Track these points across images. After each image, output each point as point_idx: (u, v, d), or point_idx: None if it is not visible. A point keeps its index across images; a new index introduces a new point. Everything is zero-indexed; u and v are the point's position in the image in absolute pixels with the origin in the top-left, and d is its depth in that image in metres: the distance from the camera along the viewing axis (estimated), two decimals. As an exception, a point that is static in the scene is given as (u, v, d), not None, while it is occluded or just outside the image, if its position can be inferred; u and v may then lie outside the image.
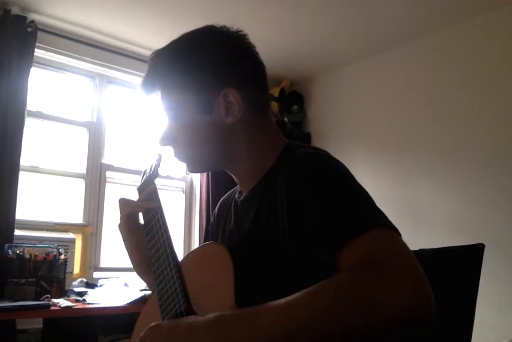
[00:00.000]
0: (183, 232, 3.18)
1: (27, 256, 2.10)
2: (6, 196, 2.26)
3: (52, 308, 1.90)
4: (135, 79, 3.01)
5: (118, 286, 2.32)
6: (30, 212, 2.52)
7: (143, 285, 2.22)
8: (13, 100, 2.37)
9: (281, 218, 0.74)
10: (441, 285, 0.67)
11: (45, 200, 2.66)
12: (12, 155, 2.32)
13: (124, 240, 0.97)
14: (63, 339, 2.19)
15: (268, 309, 0.58)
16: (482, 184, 2.55)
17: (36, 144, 2.66)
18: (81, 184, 2.78)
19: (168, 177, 3.14)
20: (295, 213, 0.70)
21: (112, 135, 2.97)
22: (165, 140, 0.88)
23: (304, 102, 3.61)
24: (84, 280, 2.39)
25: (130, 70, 2.98)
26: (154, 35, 2.83)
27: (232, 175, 0.92)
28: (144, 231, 0.93)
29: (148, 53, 1.17)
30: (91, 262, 2.67)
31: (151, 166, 1.04)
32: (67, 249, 2.30)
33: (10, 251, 2.10)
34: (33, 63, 2.53)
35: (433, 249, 0.84)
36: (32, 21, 2.53)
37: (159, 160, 1.03)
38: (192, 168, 0.90)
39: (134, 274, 1.02)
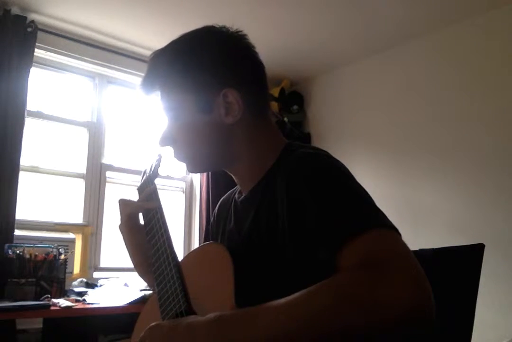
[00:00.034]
0: (183, 232, 3.18)
1: (27, 256, 2.10)
2: (6, 196, 2.26)
3: (52, 308, 1.90)
4: (135, 79, 3.01)
5: (118, 286, 2.32)
6: (30, 212, 2.52)
7: (143, 285, 2.22)
8: (13, 100, 2.37)
9: (281, 218, 0.74)
10: (441, 285, 0.67)
11: (45, 200, 2.66)
12: (12, 155, 2.32)
13: (125, 241, 0.97)
14: (63, 339, 2.19)
15: (268, 309, 0.58)
16: (482, 184, 2.55)
17: (36, 144, 2.66)
18: (81, 184, 2.78)
19: (168, 177, 3.14)
20: (295, 213, 0.70)
21: (112, 135, 2.97)
22: (165, 141, 0.88)
23: (304, 102, 3.61)
24: (84, 280, 2.39)
25: (130, 70, 2.98)
26: (154, 35, 2.83)
27: (232, 175, 0.92)
28: (144, 231, 0.93)
29: (148, 53, 1.17)
30: (91, 262, 2.67)
31: (151, 166, 1.05)
32: (67, 249, 2.30)
33: (10, 251, 2.10)
34: (33, 63, 2.53)
35: (433, 249, 0.84)
36: (32, 21, 2.53)
37: (159, 160, 1.04)
38: (192, 169, 0.90)
39: (134, 274, 1.02)
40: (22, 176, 2.40)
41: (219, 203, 1.03)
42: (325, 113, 3.49)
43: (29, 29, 2.50)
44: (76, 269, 2.48)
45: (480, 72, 2.66)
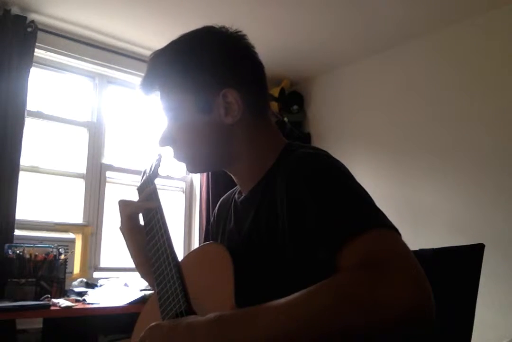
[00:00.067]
0: (183, 232, 3.18)
1: (27, 256, 2.10)
2: (6, 196, 2.26)
3: (52, 308, 1.90)
4: (135, 79, 3.01)
5: (118, 286, 2.32)
6: (30, 212, 2.52)
7: (143, 285, 2.22)
8: (13, 100, 2.37)
9: (281, 218, 0.74)
10: (441, 285, 0.67)
11: (45, 200, 2.66)
12: (12, 155, 2.32)
13: (126, 241, 0.97)
14: (63, 339, 2.19)
15: (268, 309, 0.58)
16: (482, 184, 2.55)
17: (36, 144, 2.66)
18: (81, 184, 2.78)
19: (168, 177, 3.14)
20: (295, 213, 0.70)
21: (112, 135, 2.97)
22: (165, 141, 0.88)
23: (304, 102, 3.61)
24: (84, 280, 2.39)
25: (130, 70, 2.98)
26: (154, 35, 2.83)
27: (231, 175, 0.92)
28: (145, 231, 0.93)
29: (148, 53, 1.17)
30: (91, 262, 2.67)
31: (151, 166, 1.04)
32: (67, 249, 2.30)
33: (10, 251, 2.10)
34: (33, 63, 2.53)
35: (433, 249, 0.84)
36: (32, 21, 2.53)
37: (159, 160, 1.03)
38: (192, 169, 0.90)
39: (134, 274, 1.02)
40: (22, 176, 2.40)
41: (219, 203, 1.03)
42: (325, 113, 3.49)
43: (29, 29, 2.50)
44: (76, 269, 2.48)
45: (480, 72, 2.66)
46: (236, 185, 0.95)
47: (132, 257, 0.98)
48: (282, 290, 0.60)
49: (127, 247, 0.97)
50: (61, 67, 2.84)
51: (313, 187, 0.69)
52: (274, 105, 3.42)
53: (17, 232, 2.27)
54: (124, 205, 0.95)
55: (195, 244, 3.14)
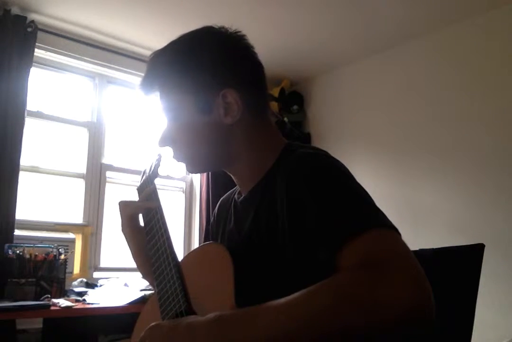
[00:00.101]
0: (183, 232, 3.18)
1: (27, 256, 2.10)
2: (6, 196, 2.26)
3: (52, 308, 1.90)
4: (135, 79, 3.01)
5: (118, 286, 2.32)
6: (30, 212, 2.52)
7: (143, 285, 2.22)
8: (13, 100, 2.37)
9: (281, 218, 0.74)
10: (441, 285, 0.67)
11: (45, 200, 2.66)
12: (12, 155, 2.32)
13: (128, 242, 0.98)
14: (63, 339, 2.19)
15: (268, 309, 0.58)
16: (482, 184, 2.55)
17: (36, 144, 2.66)
18: (81, 184, 2.78)
19: (168, 177, 3.14)
20: (295, 213, 0.70)
21: (112, 135, 2.97)
22: (164, 141, 0.88)
23: (304, 102, 3.61)
24: (84, 280, 2.39)
25: (130, 70, 2.98)
26: (154, 35, 2.83)
27: (231, 175, 0.92)
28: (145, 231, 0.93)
29: (148, 53, 1.17)
30: (91, 262, 2.67)
31: (151, 166, 1.05)
32: (67, 249, 2.30)
33: (10, 251, 2.10)
34: (33, 63, 2.53)
35: (433, 249, 0.84)
36: (32, 21, 2.53)
37: (158, 160, 1.04)
38: (191, 169, 0.90)
39: (134, 274, 1.03)
40: (22, 176, 2.40)
41: (218, 203, 1.03)
42: (325, 113, 3.49)
43: (29, 29, 2.50)
44: (76, 269, 2.48)
45: (480, 72, 2.66)
46: (236, 185, 0.95)
47: (133, 257, 0.98)
48: (282, 290, 0.60)
49: (129, 247, 0.98)
50: (61, 67, 2.84)
51: (313, 186, 0.69)
52: (274, 105, 3.42)
53: (17, 232, 2.27)
54: (124, 205, 0.96)
55: (195, 244, 3.14)
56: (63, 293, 2.16)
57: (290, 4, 2.56)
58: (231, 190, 1.00)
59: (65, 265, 2.21)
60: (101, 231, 2.77)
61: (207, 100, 0.82)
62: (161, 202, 0.95)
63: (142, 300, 2.04)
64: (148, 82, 0.86)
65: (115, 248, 2.76)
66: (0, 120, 2.31)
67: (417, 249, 0.78)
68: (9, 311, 1.80)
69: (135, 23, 2.77)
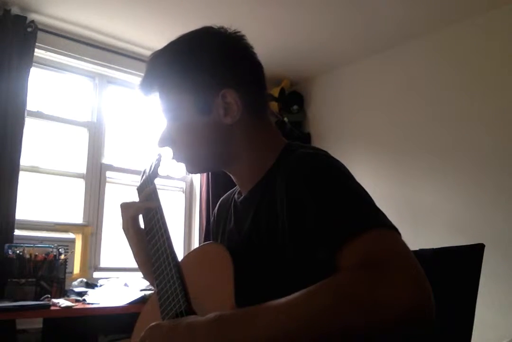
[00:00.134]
0: (183, 232, 3.18)
1: (27, 256, 2.10)
2: (6, 196, 2.26)
3: (52, 308, 1.90)
4: (135, 79, 3.01)
5: (118, 286, 2.32)
6: (30, 212, 2.52)
7: (143, 285, 2.22)
8: (13, 100, 2.37)
9: (281, 218, 0.74)
10: (441, 285, 0.67)
11: (45, 200, 2.66)
12: (12, 155, 2.32)
13: (129, 242, 0.99)
14: (63, 339, 2.19)
15: (268, 309, 0.58)
16: (482, 184, 2.55)
17: (36, 144, 2.66)
18: (81, 184, 2.78)
19: (168, 177, 3.14)
20: (295, 213, 0.70)
21: (112, 135, 2.97)
22: (164, 142, 0.88)
23: (304, 102, 3.61)
24: (84, 280, 2.39)
25: (130, 70, 2.98)
26: (154, 35, 2.83)
27: (231, 175, 0.92)
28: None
29: (148, 53, 1.17)
30: (91, 262, 2.67)
31: (151, 166, 1.05)
32: (67, 249, 2.30)
33: (10, 251, 2.10)
34: (33, 63, 2.53)
35: (433, 249, 0.84)
36: (32, 21, 2.53)
37: (158, 160, 1.04)
38: (191, 169, 0.90)
39: (134, 274, 1.03)
40: (22, 176, 2.40)
41: (218, 203, 1.03)
42: (325, 113, 3.49)
43: (29, 29, 2.50)
44: (76, 269, 2.48)
45: (480, 72, 2.66)
46: (236, 185, 0.95)
47: (134, 257, 0.99)
48: (282, 290, 0.59)
49: (130, 247, 0.98)
50: (61, 67, 2.84)
51: (313, 186, 0.69)
52: (274, 105, 3.42)
53: (17, 232, 2.27)
54: (125, 207, 0.97)
55: (195, 244, 3.13)
56: (63, 293, 2.16)
57: (290, 4, 2.56)
58: (231, 190, 1.01)
59: (65, 265, 2.21)
60: (101, 231, 2.77)
61: (206, 101, 0.82)
62: (161, 202, 0.95)
63: (142, 300, 2.04)
64: (148, 82, 0.86)
65: (115, 248, 2.76)
66: (0, 120, 2.31)
67: (417, 249, 0.78)
68: (9, 311, 1.80)
69: (135, 23, 2.77)
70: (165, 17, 2.69)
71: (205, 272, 0.79)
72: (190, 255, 0.87)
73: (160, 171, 1.03)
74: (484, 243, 0.84)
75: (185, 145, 0.85)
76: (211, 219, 1.05)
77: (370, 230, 0.62)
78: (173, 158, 0.89)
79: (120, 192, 2.92)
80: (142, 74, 0.87)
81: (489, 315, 2.23)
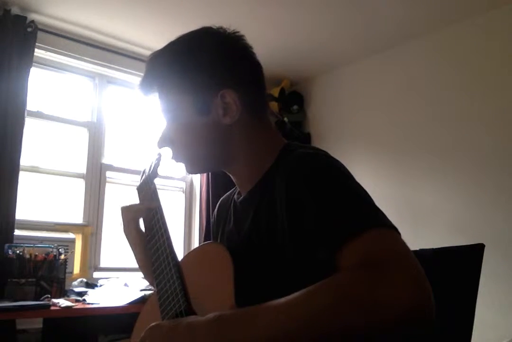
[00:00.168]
0: (183, 232, 3.18)
1: (27, 256, 2.10)
2: (6, 196, 2.26)
3: (52, 308, 1.90)
4: (135, 79, 3.01)
5: (118, 286, 2.32)
6: (30, 212, 2.52)
7: (143, 285, 2.22)
8: (13, 100, 2.37)
9: (281, 218, 0.74)
10: (441, 285, 0.67)
11: (45, 200, 2.66)
12: (12, 155, 2.32)
13: (130, 244, 0.99)
14: (63, 339, 2.19)
15: (267, 309, 0.58)
16: (482, 184, 2.55)
17: (36, 144, 2.65)
18: (81, 184, 2.78)
19: (168, 177, 3.14)
20: (295, 213, 0.70)
21: (112, 135, 2.97)
22: (163, 142, 0.88)
23: (304, 102, 3.61)
24: (84, 280, 2.39)
25: (130, 70, 2.98)
26: (154, 35, 2.83)
27: (230, 175, 0.92)
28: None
29: (148, 53, 1.17)
30: (91, 262, 2.67)
31: (151, 166, 1.05)
32: (67, 249, 2.30)
33: (10, 251, 2.10)
34: (33, 63, 2.53)
35: (433, 249, 0.84)
36: (32, 21, 2.53)
37: (158, 160, 1.04)
38: (190, 169, 0.90)
39: (134, 274, 1.04)
40: (22, 176, 2.40)
41: (218, 203, 1.03)
42: (325, 113, 3.49)
43: (29, 29, 2.50)
44: (76, 269, 2.48)
45: (480, 72, 2.66)
46: (235, 185, 0.95)
47: (135, 258, 1.00)
48: (282, 290, 0.59)
49: (132, 249, 0.99)
50: (61, 67, 2.84)
51: (313, 186, 0.69)
52: (274, 105, 3.42)
53: (17, 232, 2.27)
54: (126, 210, 0.98)
55: (195, 244, 3.13)
56: (63, 293, 2.16)
57: (290, 4, 2.56)
58: (231, 190, 1.01)
59: (65, 265, 2.21)
60: (101, 231, 2.77)
61: (205, 101, 0.82)
62: (161, 202, 0.95)
63: (142, 300, 2.04)
64: (147, 83, 0.86)
65: (115, 248, 2.76)
66: (0, 120, 2.31)
67: (417, 249, 0.78)
68: (9, 311, 1.80)
69: (135, 23, 2.77)
70: (165, 17, 2.69)
71: (205, 271, 0.79)
72: (190, 255, 0.87)
73: (160, 171, 1.03)
74: (484, 243, 0.84)
75: (184, 145, 0.85)
76: (211, 220, 1.05)
77: (370, 230, 0.62)
78: (172, 158, 0.89)
79: (120, 192, 2.92)
80: (142, 74, 0.87)
81: (489, 315, 2.23)
